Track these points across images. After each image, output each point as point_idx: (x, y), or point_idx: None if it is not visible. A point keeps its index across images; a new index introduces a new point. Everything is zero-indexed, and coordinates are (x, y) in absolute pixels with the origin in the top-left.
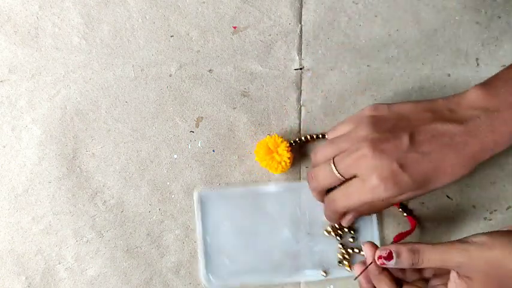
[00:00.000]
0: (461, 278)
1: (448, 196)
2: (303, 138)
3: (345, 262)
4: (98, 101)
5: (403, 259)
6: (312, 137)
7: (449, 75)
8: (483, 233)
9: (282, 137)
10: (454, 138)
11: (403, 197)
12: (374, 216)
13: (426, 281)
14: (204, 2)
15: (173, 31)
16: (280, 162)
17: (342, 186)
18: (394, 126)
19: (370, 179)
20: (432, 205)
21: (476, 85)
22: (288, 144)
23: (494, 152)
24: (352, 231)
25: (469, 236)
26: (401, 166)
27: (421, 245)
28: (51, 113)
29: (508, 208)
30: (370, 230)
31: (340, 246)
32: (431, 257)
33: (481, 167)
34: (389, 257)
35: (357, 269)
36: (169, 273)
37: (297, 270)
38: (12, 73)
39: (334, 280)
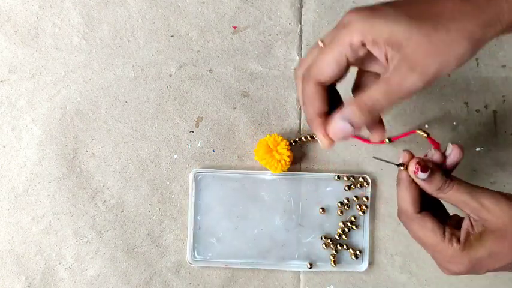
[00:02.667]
0: (475, 227)
1: None
2: (302, 138)
3: (331, 257)
4: (98, 101)
5: (435, 177)
6: (311, 136)
7: (449, 75)
8: None
9: (281, 136)
10: None
11: (386, 30)
12: (366, 221)
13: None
14: (204, 2)
15: (173, 31)
16: (279, 161)
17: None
18: None
19: (343, 17)
20: None
21: None
22: (287, 143)
23: (502, 26)
24: (345, 237)
25: (500, 191)
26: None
27: (455, 177)
28: (51, 113)
29: None
30: (361, 236)
31: (329, 241)
32: (461, 189)
33: (481, 167)
34: (424, 169)
35: (404, 157)
36: (169, 273)
37: (282, 259)
38: (12, 73)
39: (334, 280)
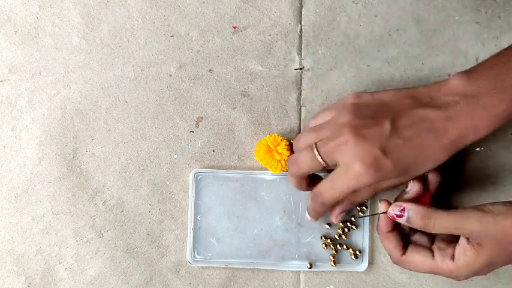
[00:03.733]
0: (471, 244)
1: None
2: None
3: (331, 257)
4: (98, 101)
5: (413, 220)
6: None
7: (449, 75)
8: (499, 202)
9: (282, 136)
10: (434, 123)
11: (386, 184)
12: (366, 221)
13: (432, 239)
14: (204, 2)
15: (173, 31)
16: (279, 161)
17: (326, 178)
18: (376, 112)
19: (353, 166)
20: (432, 205)
21: (458, 72)
22: (287, 143)
23: (476, 137)
24: (345, 237)
25: (485, 204)
26: (384, 152)
27: (434, 211)
28: (51, 113)
29: None
30: (361, 236)
31: (329, 241)
32: (444, 224)
33: (481, 167)
34: (400, 215)
35: (382, 206)
36: (169, 273)
37: (282, 259)
38: (12, 73)
39: (334, 280)
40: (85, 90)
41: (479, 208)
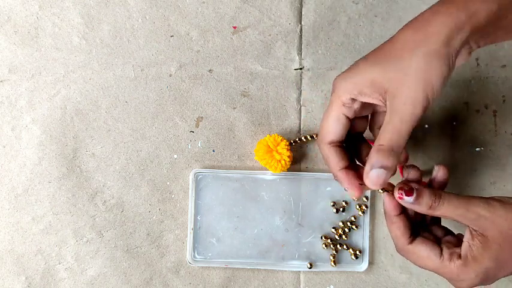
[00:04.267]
0: (476, 239)
1: None
2: (302, 138)
3: (331, 257)
4: (98, 101)
5: (423, 199)
6: (311, 136)
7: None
8: (508, 197)
9: (282, 136)
10: None
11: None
12: (366, 221)
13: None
14: (204, 2)
15: (173, 31)
16: (279, 161)
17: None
18: None
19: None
20: None
21: None
22: (287, 143)
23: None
24: (345, 237)
25: (493, 196)
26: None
27: (444, 192)
28: (51, 113)
29: None
30: (361, 236)
31: (329, 241)
32: (453, 203)
33: (481, 167)
34: (409, 192)
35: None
36: (169, 273)
37: (282, 259)
38: (12, 73)
39: (334, 280)
40: (85, 90)
41: (487, 198)
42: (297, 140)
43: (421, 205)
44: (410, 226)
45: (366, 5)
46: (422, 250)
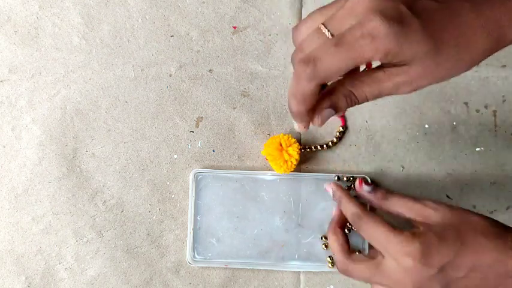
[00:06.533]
0: (419, 226)
1: (448, 196)
2: (313, 147)
3: (328, 259)
4: (98, 101)
5: (378, 189)
6: (322, 146)
7: None
8: (446, 205)
9: (295, 139)
10: None
11: (408, 52)
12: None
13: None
14: (204, 2)
15: (173, 31)
16: (286, 161)
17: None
18: None
19: (369, 20)
20: None
21: None
22: (299, 147)
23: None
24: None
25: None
26: (411, 8)
27: (393, 193)
28: (51, 113)
29: (508, 208)
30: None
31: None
32: (403, 196)
33: (481, 167)
34: (367, 183)
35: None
36: (169, 273)
37: (282, 260)
38: (12, 73)
39: (334, 280)
40: (85, 90)
41: (425, 202)
42: (307, 148)
43: (376, 193)
44: (348, 243)
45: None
46: (359, 257)
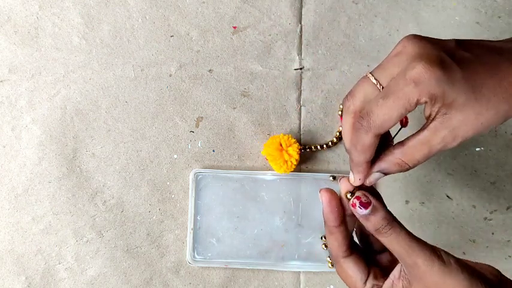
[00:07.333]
0: (402, 280)
1: (448, 196)
2: (313, 147)
3: (328, 259)
4: (98, 101)
5: (375, 217)
6: (322, 146)
7: None
8: (456, 258)
9: (295, 139)
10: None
11: (451, 96)
12: None
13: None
14: (204, 2)
15: (173, 31)
16: (286, 162)
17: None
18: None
19: (412, 67)
20: (432, 205)
21: None
22: (300, 147)
23: None
24: None
25: (441, 250)
26: (451, 57)
27: (397, 224)
28: (51, 113)
29: (508, 208)
30: None
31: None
32: (398, 240)
33: (481, 167)
34: (365, 204)
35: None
36: (169, 273)
37: (282, 260)
38: (12, 73)
39: (334, 280)
40: (85, 90)
41: (434, 248)
42: (307, 148)
43: (369, 222)
44: (349, 241)
45: (366, 5)
46: (350, 269)
